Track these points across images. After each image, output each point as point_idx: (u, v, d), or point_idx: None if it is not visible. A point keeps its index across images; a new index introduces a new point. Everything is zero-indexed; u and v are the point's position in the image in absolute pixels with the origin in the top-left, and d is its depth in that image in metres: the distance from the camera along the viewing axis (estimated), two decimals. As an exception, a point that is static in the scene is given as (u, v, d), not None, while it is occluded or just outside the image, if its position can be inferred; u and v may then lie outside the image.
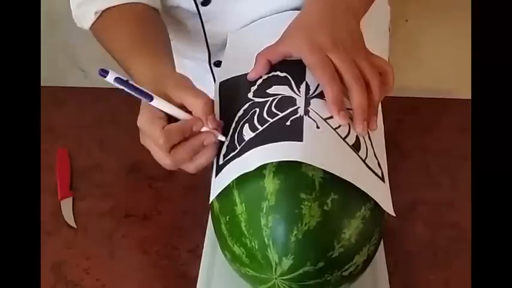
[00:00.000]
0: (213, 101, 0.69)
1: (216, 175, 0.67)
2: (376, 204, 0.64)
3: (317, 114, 0.66)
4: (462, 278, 0.79)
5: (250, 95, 0.71)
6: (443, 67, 1.38)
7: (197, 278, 0.75)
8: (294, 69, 0.71)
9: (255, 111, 0.68)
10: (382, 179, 0.67)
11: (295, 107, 0.67)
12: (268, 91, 0.70)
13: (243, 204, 0.63)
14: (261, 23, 0.86)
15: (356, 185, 0.62)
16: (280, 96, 0.69)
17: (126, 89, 0.65)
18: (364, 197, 0.63)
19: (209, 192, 0.68)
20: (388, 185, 0.68)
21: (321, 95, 0.68)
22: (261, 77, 0.72)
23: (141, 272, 0.83)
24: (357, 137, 0.66)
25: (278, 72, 0.71)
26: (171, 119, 0.67)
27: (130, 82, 0.65)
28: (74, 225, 0.89)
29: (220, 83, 0.76)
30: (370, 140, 0.68)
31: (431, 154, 0.96)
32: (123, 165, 0.97)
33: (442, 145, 0.97)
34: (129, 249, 0.86)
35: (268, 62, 0.71)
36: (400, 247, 0.83)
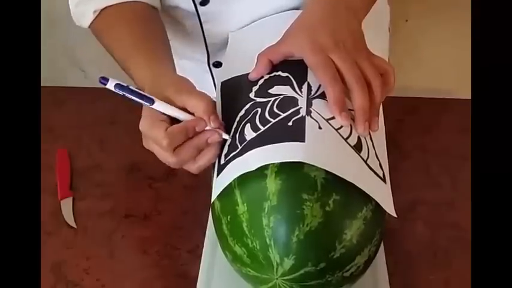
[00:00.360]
0: (214, 101, 0.69)
1: (218, 174, 0.67)
2: (377, 205, 0.64)
3: (319, 114, 0.66)
4: (462, 278, 0.79)
5: (252, 95, 0.71)
6: (443, 67, 1.38)
7: (197, 278, 0.75)
8: (295, 70, 0.71)
9: (257, 111, 0.68)
10: (384, 179, 0.67)
11: (297, 107, 0.67)
12: (270, 91, 0.70)
13: (245, 204, 0.63)
14: (261, 23, 0.86)
15: (357, 185, 0.62)
16: (282, 96, 0.69)
17: (126, 95, 0.65)
18: (366, 198, 0.63)
19: (209, 192, 0.68)
20: (390, 185, 0.68)
21: (322, 96, 0.68)
22: (262, 77, 0.72)
23: (141, 272, 0.83)
24: (359, 138, 0.66)
25: (280, 72, 0.71)
26: (173, 121, 0.67)
27: (131, 87, 0.65)
28: (74, 225, 0.89)
29: (222, 83, 0.76)
30: (371, 140, 0.68)
31: (431, 154, 0.96)
32: (123, 165, 0.97)
33: (442, 145, 0.97)
34: (129, 249, 0.86)
35: (269, 62, 0.71)
36: (400, 247, 0.83)
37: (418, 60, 1.40)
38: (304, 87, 0.69)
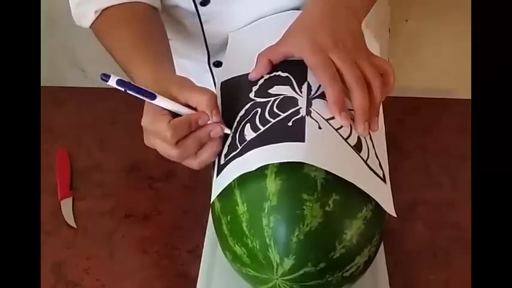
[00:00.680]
0: (216, 96, 0.69)
1: (217, 175, 0.67)
2: (377, 205, 0.64)
3: (319, 114, 0.66)
4: (462, 278, 0.79)
5: (251, 95, 0.71)
6: (443, 67, 1.38)
7: (197, 278, 0.75)
8: (295, 70, 0.71)
9: (257, 111, 0.68)
10: (384, 179, 0.67)
11: (297, 107, 0.67)
12: (269, 91, 0.70)
13: (245, 204, 0.63)
14: (261, 23, 0.86)
15: (357, 185, 0.62)
16: (282, 96, 0.69)
17: (128, 91, 0.66)
18: (366, 198, 0.63)
19: (209, 192, 0.68)
20: (390, 185, 0.68)
21: (322, 96, 0.68)
22: (262, 77, 0.72)
23: (141, 272, 0.83)
24: (359, 138, 0.66)
25: (280, 73, 0.71)
26: (175, 116, 0.67)
27: (133, 83, 0.66)
28: (74, 225, 0.88)
29: (222, 83, 0.76)
30: (371, 140, 0.68)
31: (431, 154, 0.96)
32: (123, 165, 0.97)
33: (442, 145, 0.97)
34: (129, 249, 0.86)
35: (269, 62, 0.71)
36: (400, 247, 0.83)
37: (418, 60, 1.40)
38: (304, 87, 0.69)
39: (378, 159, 0.67)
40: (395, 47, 1.06)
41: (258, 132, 0.66)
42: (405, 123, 1.00)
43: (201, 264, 0.76)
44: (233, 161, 0.65)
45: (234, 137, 0.68)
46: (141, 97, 0.66)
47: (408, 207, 0.87)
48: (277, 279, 0.63)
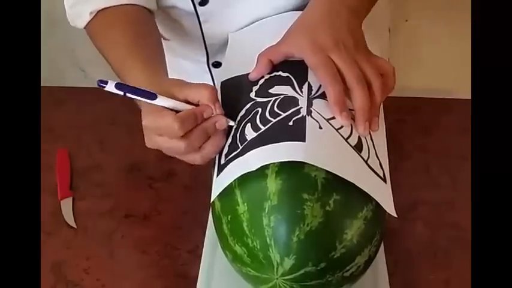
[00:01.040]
0: (217, 90, 0.69)
1: (218, 174, 0.67)
2: (377, 204, 0.64)
3: (319, 114, 0.66)
4: (462, 278, 0.79)
5: (252, 95, 0.71)
6: (443, 67, 1.38)
7: (197, 278, 0.75)
8: (296, 70, 0.71)
9: (257, 111, 0.68)
10: (384, 179, 0.67)
11: (298, 107, 0.67)
12: (270, 91, 0.70)
13: (245, 204, 0.63)
14: (261, 23, 0.86)
15: (358, 185, 0.62)
16: (282, 96, 0.69)
17: (128, 94, 0.65)
18: (366, 198, 0.63)
19: (209, 192, 0.68)
20: (390, 185, 0.68)
21: (323, 96, 0.68)
22: (263, 77, 0.72)
23: (141, 272, 0.83)
24: (359, 138, 0.66)
25: (280, 73, 0.71)
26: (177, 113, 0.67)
27: (131, 86, 0.65)
28: (74, 225, 0.88)
29: (222, 83, 0.76)
30: (372, 140, 0.68)
31: (431, 154, 0.96)
32: (123, 165, 0.97)
33: (442, 145, 0.97)
34: (129, 249, 0.86)
35: (270, 61, 0.71)
36: (400, 247, 0.83)
37: (418, 60, 1.40)
38: (305, 87, 0.69)
39: (379, 159, 0.67)
40: (395, 47, 1.06)
41: (259, 132, 0.66)
42: (405, 123, 1.00)
43: (201, 264, 0.76)
44: (234, 161, 0.65)
45: (234, 137, 0.68)
46: (141, 98, 0.66)
47: (408, 207, 0.87)
48: (277, 279, 0.63)
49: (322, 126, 0.65)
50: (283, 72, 0.71)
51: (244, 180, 0.64)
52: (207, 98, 0.66)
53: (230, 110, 0.70)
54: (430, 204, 0.89)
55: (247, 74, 0.73)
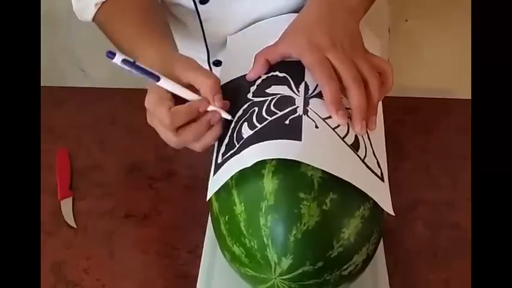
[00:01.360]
0: (220, 80, 0.70)
1: (215, 173, 0.67)
2: (375, 203, 0.64)
3: (316, 113, 0.66)
4: (462, 278, 0.79)
5: (249, 96, 0.71)
6: (443, 67, 1.38)
7: (197, 278, 0.75)
8: (293, 70, 0.71)
9: (254, 110, 0.68)
10: (382, 178, 0.67)
11: (294, 106, 0.67)
12: (267, 91, 0.70)
13: (242, 204, 0.63)
14: (260, 25, 0.86)
15: (354, 184, 0.62)
16: (279, 95, 0.69)
17: (133, 70, 0.66)
18: (363, 197, 0.63)
19: (209, 192, 0.68)
20: (388, 184, 0.68)
21: (320, 95, 0.68)
22: (260, 77, 0.72)
23: (141, 272, 0.83)
24: (356, 137, 0.67)
25: (277, 73, 0.71)
26: (177, 100, 0.68)
27: (137, 63, 0.66)
28: (74, 225, 0.88)
29: (221, 86, 0.76)
30: (369, 139, 0.68)
31: (431, 154, 0.96)
32: (123, 165, 0.97)
33: (442, 145, 0.97)
34: (129, 249, 0.86)
35: (267, 61, 0.72)
36: (400, 247, 0.83)
37: (418, 60, 1.40)
38: (302, 86, 0.69)
39: (376, 158, 0.67)
40: (395, 47, 1.06)
41: (255, 130, 0.66)
42: (405, 123, 1.00)
43: (201, 264, 0.76)
44: (230, 159, 0.66)
45: (231, 136, 0.68)
46: (145, 77, 0.67)
47: (408, 207, 0.87)
48: (275, 278, 0.63)
49: (318, 125, 0.65)
50: (280, 72, 0.71)
51: (241, 180, 0.64)
52: (209, 88, 0.68)
53: (228, 112, 0.71)
54: (430, 204, 0.88)
55: (245, 75, 0.73)
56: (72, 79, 1.44)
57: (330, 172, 0.61)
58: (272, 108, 0.67)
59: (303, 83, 0.70)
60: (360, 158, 0.65)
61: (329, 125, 0.66)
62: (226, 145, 0.68)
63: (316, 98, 0.68)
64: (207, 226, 0.80)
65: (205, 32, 0.92)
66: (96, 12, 0.84)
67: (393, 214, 0.65)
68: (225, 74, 0.78)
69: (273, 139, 0.63)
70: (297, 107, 0.67)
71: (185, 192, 0.92)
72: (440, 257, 0.82)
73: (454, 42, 1.29)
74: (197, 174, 0.92)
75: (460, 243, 0.83)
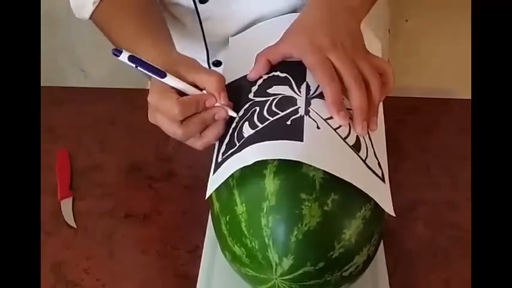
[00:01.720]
0: (225, 79, 0.70)
1: (214, 172, 0.67)
2: (376, 204, 0.64)
3: (317, 114, 0.66)
4: (462, 278, 0.79)
5: (251, 96, 0.71)
6: (443, 67, 1.38)
7: (197, 278, 0.75)
8: (294, 70, 0.71)
9: (255, 109, 0.68)
10: (383, 179, 0.67)
11: (296, 106, 0.67)
12: (268, 91, 0.70)
13: (244, 205, 0.63)
14: (261, 26, 0.86)
15: (356, 185, 0.62)
16: (280, 95, 0.69)
17: (139, 67, 0.67)
18: (365, 198, 0.63)
19: (210, 192, 0.68)
20: (389, 185, 0.68)
21: (321, 96, 0.68)
22: (261, 77, 0.72)
23: (141, 272, 0.83)
24: (357, 137, 0.66)
25: (278, 73, 0.71)
26: (182, 96, 0.68)
27: (144, 60, 0.66)
28: (74, 225, 0.88)
29: None
30: (370, 140, 0.68)
31: (431, 154, 0.96)
32: (123, 165, 0.97)
33: (442, 145, 0.97)
34: (129, 249, 0.86)
35: (268, 61, 0.72)
36: (400, 247, 0.83)
37: (418, 60, 1.40)
38: (303, 87, 0.69)
39: (377, 159, 0.67)
40: (395, 47, 1.06)
41: (256, 130, 0.66)
42: (405, 123, 1.00)
43: (201, 264, 0.76)
44: (231, 158, 0.66)
45: (232, 136, 0.68)
46: (151, 74, 0.67)
47: (408, 207, 0.87)
48: (276, 279, 0.63)
49: (320, 126, 0.65)
50: (282, 73, 0.71)
51: (243, 180, 0.64)
52: (213, 86, 0.68)
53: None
54: (430, 204, 0.88)
55: (246, 76, 0.73)
56: (72, 79, 1.44)
57: (332, 173, 0.61)
58: (274, 108, 0.67)
59: (305, 84, 0.70)
60: (361, 159, 0.65)
61: (330, 126, 0.66)
62: (226, 144, 0.68)
63: (317, 99, 0.68)
64: (207, 226, 0.80)
65: (204, 31, 0.92)
66: (94, 10, 0.84)
67: (394, 215, 0.65)
68: (226, 75, 0.78)
69: (274, 139, 0.63)
70: (299, 107, 0.67)
71: (185, 192, 0.92)
72: (441, 257, 0.82)
73: (454, 42, 1.29)
74: (197, 175, 0.92)
75: (460, 243, 0.83)
